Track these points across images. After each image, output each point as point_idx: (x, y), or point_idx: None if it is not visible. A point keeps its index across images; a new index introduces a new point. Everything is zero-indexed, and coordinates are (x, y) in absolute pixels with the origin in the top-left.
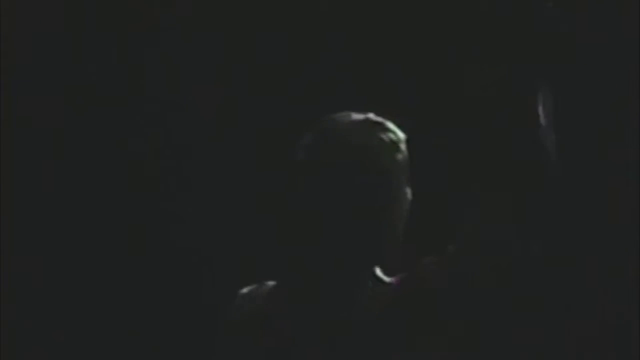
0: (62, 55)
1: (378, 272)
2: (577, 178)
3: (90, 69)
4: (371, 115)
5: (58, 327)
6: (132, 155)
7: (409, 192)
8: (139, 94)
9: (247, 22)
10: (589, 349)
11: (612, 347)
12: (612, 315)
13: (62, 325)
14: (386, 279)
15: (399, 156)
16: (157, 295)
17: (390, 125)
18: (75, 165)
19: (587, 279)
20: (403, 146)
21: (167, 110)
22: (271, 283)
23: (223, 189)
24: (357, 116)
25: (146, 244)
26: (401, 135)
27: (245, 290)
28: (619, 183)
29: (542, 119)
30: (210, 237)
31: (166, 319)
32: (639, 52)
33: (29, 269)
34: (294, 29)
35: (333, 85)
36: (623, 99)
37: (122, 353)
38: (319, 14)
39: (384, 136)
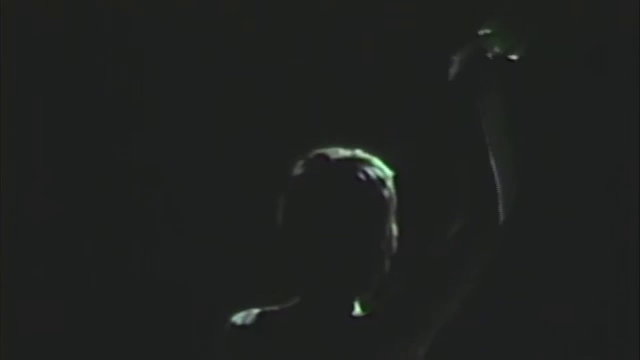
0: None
1: (356, 307)
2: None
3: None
4: (359, 152)
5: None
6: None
7: (395, 228)
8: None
9: (239, 49)
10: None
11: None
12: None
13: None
14: (360, 314)
15: (385, 193)
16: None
17: (377, 161)
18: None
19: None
20: (390, 183)
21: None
22: (257, 311)
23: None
24: (344, 152)
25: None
26: (388, 172)
27: (237, 319)
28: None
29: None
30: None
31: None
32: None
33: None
34: (289, 58)
35: (326, 117)
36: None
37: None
38: (316, 42)
39: (370, 173)
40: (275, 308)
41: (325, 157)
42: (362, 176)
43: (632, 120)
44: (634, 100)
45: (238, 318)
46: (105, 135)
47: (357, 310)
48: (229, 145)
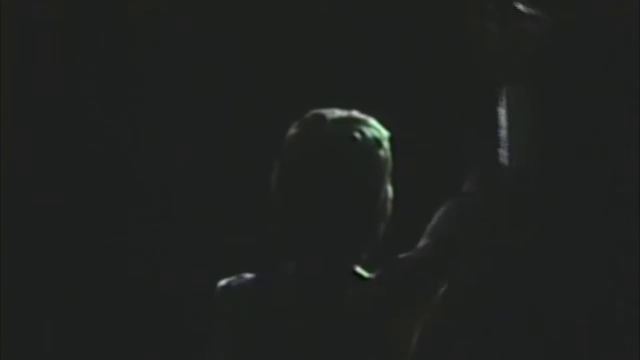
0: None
1: (358, 268)
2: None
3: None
4: (355, 112)
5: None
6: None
7: (390, 189)
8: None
9: (236, 19)
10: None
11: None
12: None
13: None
14: (366, 275)
15: (381, 154)
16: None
17: (374, 122)
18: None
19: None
20: (385, 143)
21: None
22: (249, 275)
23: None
24: (340, 113)
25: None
26: (384, 132)
27: (224, 282)
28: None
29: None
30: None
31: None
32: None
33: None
34: (290, 25)
35: (324, 80)
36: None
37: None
38: (316, 11)
39: (366, 133)
40: (269, 273)
41: (321, 117)
42: (357, 136)
43: (632, 120)
44: (633, 100)
45: (226, 283)
46: (101, 134)
47: (352, 274)
48: (228, 145)
